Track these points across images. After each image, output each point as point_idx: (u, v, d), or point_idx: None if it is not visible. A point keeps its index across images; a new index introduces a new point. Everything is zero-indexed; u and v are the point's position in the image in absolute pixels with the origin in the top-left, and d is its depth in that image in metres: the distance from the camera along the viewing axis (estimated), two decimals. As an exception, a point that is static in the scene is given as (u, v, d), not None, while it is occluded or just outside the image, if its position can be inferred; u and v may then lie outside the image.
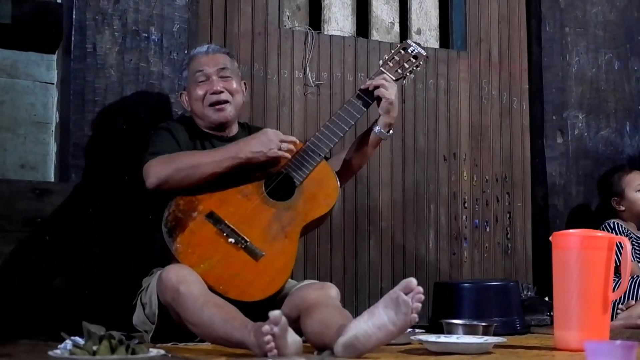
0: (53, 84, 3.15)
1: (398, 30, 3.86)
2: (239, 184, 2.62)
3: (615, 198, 3.90)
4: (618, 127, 4.14)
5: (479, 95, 3.95)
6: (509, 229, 3.95)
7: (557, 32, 4.05)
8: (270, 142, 2.60)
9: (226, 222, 2.59)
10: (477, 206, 3.89)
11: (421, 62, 2.89)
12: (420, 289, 2.13)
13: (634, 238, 3.77)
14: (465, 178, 3.88)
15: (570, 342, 2.49)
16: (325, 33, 3.68)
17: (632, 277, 3.55)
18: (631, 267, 3.37)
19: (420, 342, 2.45)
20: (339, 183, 2.75)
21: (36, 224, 2.89)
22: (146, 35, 3.13)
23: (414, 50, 2.87)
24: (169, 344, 2.47)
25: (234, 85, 2.82)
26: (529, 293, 3.89)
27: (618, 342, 1.69)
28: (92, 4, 3.04)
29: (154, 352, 1.97)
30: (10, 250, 2.84)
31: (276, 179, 2.69)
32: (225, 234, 2.58)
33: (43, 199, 2.91)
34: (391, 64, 2.85)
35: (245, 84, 2.92)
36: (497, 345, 2.48)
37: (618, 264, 2.92)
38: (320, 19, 3.71)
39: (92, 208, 2.95)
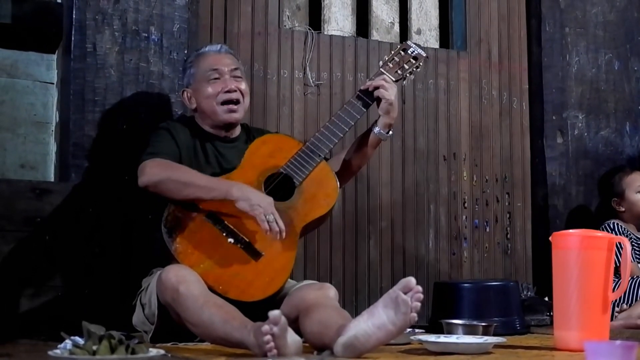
0: (53, 83, 3.15)
1: (398, 30, 3.86)
2: (242, 183, 2.62)
3: (616, 199, 3.90)
4: (618, 127, 4.14)
5: (479, 95, 3.95)
6: (508, 229, 3.95)
7: (557, 32, 4.05)
8: (261, 207, 2.51)
9: (226, 222, 2.59)
10: (477, 206, 3.89)
11: (421, 63, 2.89)
12: (420, 288, 2.13)
13: (634, 239, 3.77)
14: (465, 178, 3.88)
15: (570, 342, 2.49)
16: (325, 33, 3.68)
17: (632, 278, 3.55)
18: (631, 267, 3.38)
19: (420, 342, 2.45)
20: (338, 183, 2.75)
21: (36, 224, 2.89)
22: (146, 35, 3.13)
23: (413, 51, 2.87)
24: (168, 344, 2.47)
25: (244, 86, 2.83)
26: (529, 293, 3.89)
27: (618, 342, 1.69)
28: (92, 4, 3.04)
29: (153, 352, 1.97)
30: (10, 250, 2.84)
31: (276, 179, 2.69)
32: (224, 234, 2.58)
33: (43, 198, 2.91)
34: (391, 65, 2.85)
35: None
36: (497, 346, 2.48)
37: (618, 264, 2.92)
38: (320, 19, 3.71)
39: (92, 208, 2.95)
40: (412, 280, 2.13)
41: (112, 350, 1.90)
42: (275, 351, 2.06)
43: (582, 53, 4.09)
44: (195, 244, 2.55)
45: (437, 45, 3.92)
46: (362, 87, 2.83)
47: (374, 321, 2.12)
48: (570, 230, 2.70)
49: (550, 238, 2.64)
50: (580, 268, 2.51)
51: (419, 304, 2.12)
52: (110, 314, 2.68)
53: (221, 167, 2.75)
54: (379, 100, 2.78)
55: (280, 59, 3.56)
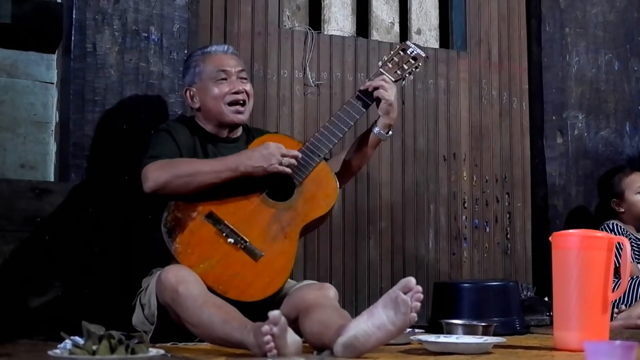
0: (53, 83, 3.15)
1: (398, 30, 3.86)
2: (239, 184, 2.62)
3: (615, 199, 3.89)
4: (618, 127, 4.14)
5: (479, 95, 3.95)
6: (508, 229, 3.95)
7: (557, 32, 4.05)
8: (271, 157, 2.57)
9: (225, 222, 2.59)
10: (476, 206, 3.89)
11: (420, 64, 2.88)
12: (419, 288, 2.13)
13: (634, 239, 3.77)
14: (465, 178, 3.88)
15: (569, 343, 2.49)
16: (325, 33, 3.68)
17: (632, 278, 3.55)
18: (631, 268, 3.38)
19: (420, 342, 2.45)
20: (338, 184, 2.75)
21: (36, 224, 2.88)
22: (146, 35, 3.13)
23: (413, 51, 2.87)
24: (168, 344, 2.47)
25: (250, 88, 2.83)
26: (529, 293, 3.89)
27: (618, 342, 1.69)
28: (92, 4, 3.04)
29: (153, 351, 1.97)
30: (10, 249, 2.84)
31: (276, 179, 2.69)
32: (224, 234, 2.58)
33: (43, 198, 2.91)
34: (390, 65, 2.85)
35: None
36: (497, 346, 2.48)
37: (618, 265, 2.92)
38: (320, 19, 3.71)
39: (92, 208, 2.95)
40: (411, 280, 2.13)
41: (112, 350, 1.90)
42: (275, 351, 2.06)
43: (582, 53, 4.09)
44: (195, 244, 2.55)
45: (437, 45, 3.92)
46: (361, 88, 2.83)
47: (374, 321, 2.12)
48: (570, 231, 2.70)
49: (550, 238, 2.64)
50: (580, 268, 2.51)
51: (418, 304, 2.12)
52: (110, 314, 2.68)
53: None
54: (378, 100, 2.78)
55: (280, 59, 3.56)
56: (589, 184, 4.05)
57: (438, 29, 3.95)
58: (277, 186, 2.68)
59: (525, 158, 4.03)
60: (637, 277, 3.59)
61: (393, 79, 2.82)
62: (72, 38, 3.02)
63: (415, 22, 3.90)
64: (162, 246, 2.58)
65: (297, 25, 3.64)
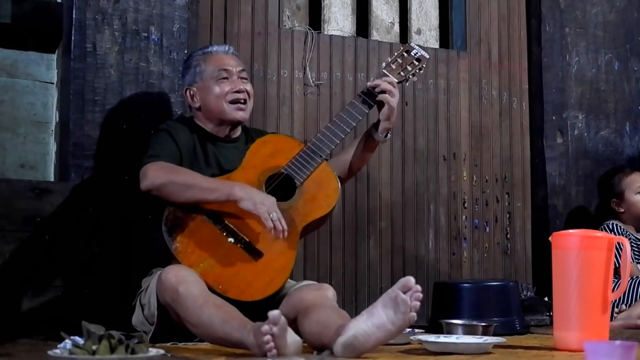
0: (53, 83, 3.15)
1: (398, 30, 3.86)
2: (242, 183, 2.62)
3: (615, 200, 3.89)
4: (618, 127, 4.14)
5: (479, 95, 3.95)
6: (508, 229, 3.95)
7: (557, 32, 4.05)
8: (265, 206, 2.51)
9: (226, 221, 2.59)
10: (476, 206, 3.89)
11: (424, 66, 2.89)
12: (419, 287, 2.13)
13: (633, 239, 3.77)
14: (465, 178, 3.88)
15: (569, 343, 2.49)
16: (325, 33, 3.68)
17: (632, 278, 3.55)
18: (631, 267, 3.38)
19: (420, 342, 2.45)
20: (339, 184, 2.75)
21: (36, 224, 2.88)
22: (146, 35, 3.13)
23: (417, 53, 2.87)
24: (168, 344, 2.47)
25: (250, 88, 2.84)
26: (529, 293, 3.89)
27: (617, 342, 1.69)
28: (92, 4, 3.04)
29: (153, 351, 1.98)
30: (10, 249, 2.84)
31: (277, 179, 2.69)
32: (225, 234, 2.58)
33: (43, 198, 2.91)
34: (394, 67, 2.85)
35: None
36: (497, 346, 2.48)
37: (618, 265, 2.92)
38: (320, 19, 3.71)
39: (92, 208, 2.95)
40: (411, 279, 2.13)
41: (112, 350, 1.90)
42: (275, 351, 2.06)
43: (582, 53, 4.09)
44: (195, 243, 2.55)
45: (437, 45, 3.92)
46: (366, 88, 2.81)
47: (374, 321, 2.12)
48: (570, 231, 2.70)
49: (550, 238, 2.64)
50: (580, 268, 2.51)
51: (418, 304, 2.12)
52: (110, 314, 2.68)
53: (221, 167, 2.75)
54: (381, 104, 2.78)
55: (280, 59, 3.56)
56: (589, 184, 4.05)
57: (438, 29, 3.95)
58: (278, 186, 2.68)
59: (525, 158, 4.03)
60: (637, 277, 3.59)
61: (396, 80, 2.82)
62: (72, 38, 3.02)
63: (415, 22, 3.90)
64: (162, 246, 2.58)
65: (297, 25, 3.64)
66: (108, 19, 3.07)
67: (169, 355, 2.14)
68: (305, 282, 2.64)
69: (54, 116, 3.13)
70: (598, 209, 4.02)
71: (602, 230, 3.72)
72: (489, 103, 3.97)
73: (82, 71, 3.02)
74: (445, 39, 4.00)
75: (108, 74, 3.05)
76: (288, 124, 3.53)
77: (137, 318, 2.61)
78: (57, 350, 1.95)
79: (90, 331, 1.93)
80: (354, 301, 3.56)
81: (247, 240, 2.57)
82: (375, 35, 3.80)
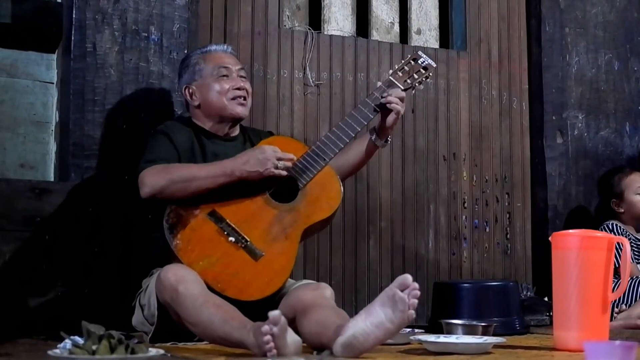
0: (53, 83, 3.15)
1: (398, 30, 3.86)
2: (243, 184, 2.62)
3: (615, 200, 3.89)
4: (618, 127, 4.14)
5: (479, 95, 3.95)
6: (508, 229, 3.95)
7: (557, 32, 4.05)
8: (267, 161, 2.57)
9: (227, 221, 2.59)
10: (476, 206, 3.89)
11: (430, 74, 2.89)
12: (416, 285, 2.13)
13: (633, 240, 3.77)
14: (465, 178, 3.88)
15: (569, 343, 2.49)
16: (325, 33, 3.68)
17: (632, 278, 3.55)
18: (630, 267, 3.38)
19: (420, 342, 2.45)
20: (342, 188, 2.75)
21: (36, 224, 2.89)
22: (146, 34, 3.13)
23: (424, 61, 2.88)
24: (168, 344, 2.47)
25: (249, 86, 2.86)
26: (529, 293, 3.89)
27: (617, 342, 1.69)
28: (92, 4, 3.04)
29: (153, 351, 1.98)
30: (9, 249, 2.84)
31: (280, 180, 2.69)
32: (225, 233, 2.58)
33: (42, 198, 2.91)
34: (400, 74, 2.85)
35: None
36: (497, 346, 2.48)
37: (617, 265, 2.92)
38: (320, 18, 3.71)
39: (92, 208, 2.95)
40: (408, 277, 2.13)
41: (112, 349, 1.91)
42: (274, 351, 2.06)
43: (582, 53, 4.09)
44: (196, 241, 2.56)
45: (437, 45, 3.92)
46: (373, 94, 2.81)
47: (372, 320, 2.12)
48: (570, 231, 2.70)
49: (550, 238, 2.64)
50: (580, 268, 2.51)
51: (416, 301, 2.12)
52: (110, 314, 2.68)
53: (220, 167, 2.75)
54: (388, 111, 2.78)
55: (280, 58, 3.56)
56: (589, 184, 4.05)
57: (438, 29, 3.95)
58: (281, 187, 2.68)
59: (525, 158, 4.03)
60: (637, 277, 3.59)
61: (402, 87, 2.82)
62: (72, 38, 3.02)
63: (415, 22, 3.90)
64: (162, 246, 2.58)
65: (297, 25, 3.64)
66: (108, 19, 3.07)
67: (169, 355, 2.14)
68: (303, 282, 2.64)
69: (54, 116, 3.13)
70: (598, 209, 4.02)
71: (602, 230, 3.72)
72: (489, 103, 3.97)
73: (82, 71, 3.02)
74: (445, 39, 4.00)
75: (108, 74, 3.05)
76: (288, 124, 3.53)
77: (137, 318, 2.61)
78: (57, 350, 1.95)
79: (90, 331, 1.93)
80: (354, 301, 3.56)
81: (248, 239, 2.58)
82: (375, 35, 3.80)
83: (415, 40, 3.87)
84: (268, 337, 2.05)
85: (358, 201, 3.63)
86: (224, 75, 2.80)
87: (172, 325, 2.47)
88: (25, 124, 3.10)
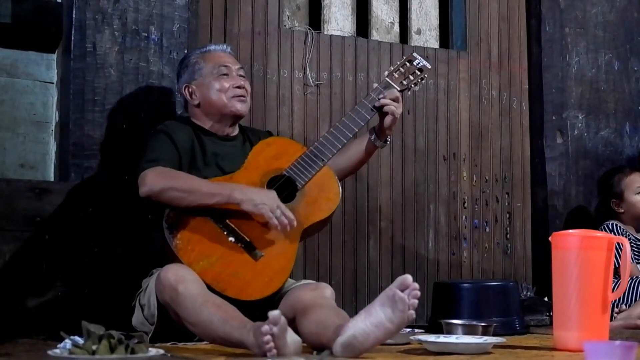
0: (53, 83, 3.15)
1: (398, 30, 3.86)
2: (242, 184, 2.63)
3: (615, 200, 3.89)
4: (618, 127, 4.14)
5: (479, 95, 3.95)
6: (508, 229, 3.95)
7: (557, 32, 4.05)
8: (266, 205, 2.53)
9: (227, 221, 2.59)
10: (476, 206, 3.89)
11: (426, 75, 2.91)
12: (416, 285, 2.13)
13: (633, 240, 3.77)
14: (465, 178, 3.88)
15: (569, 343, 2.49)
16: (325, 33, 3.68)
17: (631, 278, 3.55)
18: (630, 267, 3.38)
19: (420, 342, 2.45)
20: (340, 188, 2.76)
21: (36, 224, 2.88)
22: (146, 34, 3.13)
23: (419, 62, 2.90)
24: (168, 344, 2.47)
25: (248, 86, 2.87)
26: (529, 293, 3.89)
27: (617, 342, 1.69)
28: (92, 3, 3.04)
29: (153, 351, 1.98)
30: (9, 249, 2.84)
31: (278, 181, 2.70)
32: (225, 233, 2.58)
33: (42, 198, 2.91)
34: (396, 75, 2.87)
35: None
36: (497, 346, 2.48)
37: (617, 265, 2.91)
38: (320, 18, 3.71)
39: (92, 208, 2.95)
40: (408, 277, 2.13)
41: (112, 349, 1.91)
42: (274, 351, 2.06)
43: (582, 53, 4.09)
44: (195, 241, 2.56)
45: (437, 45, 3.92)
46: (370, 96, 2.82)
47: (372, 320, 2.12)
48: (570, 231, 2.70)
49: (549, 238, 2.64)
50: (580, 268, 2.51)
51: (416, 302, 2.12)
52: (110, 314, 2.68)
53: (219, 167, 2.75)
54: (385, 113, 2.79)
55: (280, 58, 3.56)
56: (589, 184, 4.05)
57: (438, 29, 3.95)
58: (280, 188, 2.68)
59: (525, 158, 4.03)
60: (637, 277, 3.59)
61: (399, 89, 2.84)
62: (72, 38, 3.02)
63: (415, 22, 3.90)
64: (162, 246, 2.58)
65: (297, 25, 3.64)
66: (108, 19, 3.07)
67: (169, 355, 2.14)
68: (303, 282, 2.65)
69: (54, 116, 3.13)
70: (598, 209, 4.02)
71: (602, 230, 3.72)
72: (489, 103, 3.97)
73: (82, 71, 3.02)
74: (445, 39, 4.00)
75: (108, 74, 3.05)
76: (288, 123, 3.53)
77: (137, 319, 2.61)
78: (57, 350, 1.95)
79: (90, 331, 1.93)
80: (354, 301, 3.56)
81: (248, 239, 2.58)
82: (375, 35, 3.80)
83: (415, 40, 3.87)
84: (268, 337, 2.05)
85: (358, 201, 3.63)
86: (224, 74, 2.81)
87: (172, 325, 2.47)
88: (25, 124, 3.10)
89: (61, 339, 2.04)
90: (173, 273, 2.40)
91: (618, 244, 2.64)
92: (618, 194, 3.88)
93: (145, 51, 3.12)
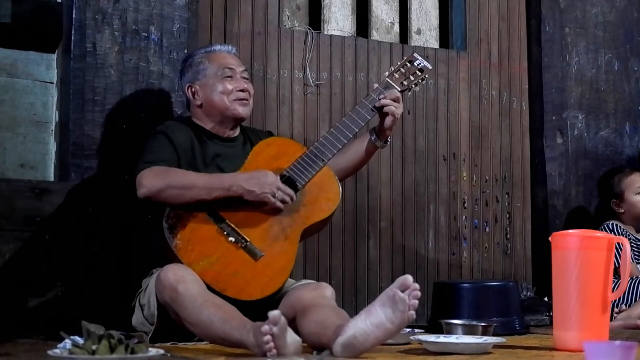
0: (53, 83, 3.15)
1: (398, 30, 3.86)
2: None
3: (615, 200, 3.89)
4: (617, 127, 4.14)
5: (479, 95, 3.95)
6: (508, 229, 3.95)
7: (557, 33, 4.05)
8: (266, 185, 2.57)
9: (227, 221, 2.59)
10: (476, 206, 3.89)
11: (426, 76, 2.91)
12: (417, 286, 2.13)
13: (633, 240, 3.77)
14: (465, 178, 3.88)
15: (569, 343, 2.49)
16: (325, 33, 3.68)
17: (631, 278, 3.55)
18: (630, 268, 3.38)
19: (420, 342, 2.45)
20: (341, 188, 2.76)
21: (36, 224, 2.88)
22: (146, 34, 3.13)
23: (420, 63, 2.90)
24: (168, 344, 2.47)
25: (251, 88, 2.87)
26: (528, 293, 3.89)
27: (617, 342, 1.69)
28: (92, 3, 3.04)
29: (153, 351, 1.98)
30: (9, 249, 2.84)
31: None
32: (225, 233, 2.58)
33: (42, 198, 2.91)
34: (397, 75, 2.87)
35: None
36: (496, 346, 2.48)
37: (617, 265, 2.91)
38: (320, 18, 3.71)
39: (91, 208, 2.95)
40: (409, 278, 2.13)
41: (112, 349, 1.91)
42: (274, 351, 2.06)
43: (582, 53, 4.09)
44: (195, 241, 2.56)
45: (437, 45, 3.92)
46: (370, 96, 2.82)
47: (372, 320, 2.12)
48: (570, 231, 2.70)
49: (549, 238, 2.64)
50: (580, 268, 2.51)
51: (416, 302, 2.12)
52: (110, 313, 2.68)
53: (219, 167, 2.75)
54: (385, 114, 2.79)
55: (280, 58, 3.56)
56: (589, 184, 4.05)
57: (438, 29, 3.95)
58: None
59: (525, 158, 4.03)
60: (637, 277, 3.59)
61: (399, 89, 2.84)
62: (72, 38, 3.02)
63: (415, 22, 3.90)
64: (162, 246, 2.58)
65: (297, 25, 3.64)
66: (108, 19, 3.07)
67: (169, 355, 2.15)
68: (303, 282, 2.65)
69: (54, 116, 3.13)
70: (598, 209, 4.02)
71: (602, 230, 3.72)
72: (489, 103, 3.97)
73: (82, 71, 3.02)
74: (445, 39, 4.00)
75: (108, 74, 3.05)
76: (288, 123, 3.53)
77: (137, 319, 2.61)
78: (57, 350, 1.96)
79: (90, 331, 1.93)
80: (354, 301, 3.56)
81: (248, 239, 2.58)
82: (375, 35, 3.80)
83: (415, 40, 3.87)
84: (268, 337, 2.05)
85: (358, 201, 3.63)
86: (228, 76, 2.81)
87: (172, 325, 2.47)
88: (25, 124, 3.10)
89: (61, 339, 2.04)
90: (173, 273, 2.40)
91: (618, 244, 2.64)
92: (618, 194, 3.88)
93: (145, 51, 3.12)
